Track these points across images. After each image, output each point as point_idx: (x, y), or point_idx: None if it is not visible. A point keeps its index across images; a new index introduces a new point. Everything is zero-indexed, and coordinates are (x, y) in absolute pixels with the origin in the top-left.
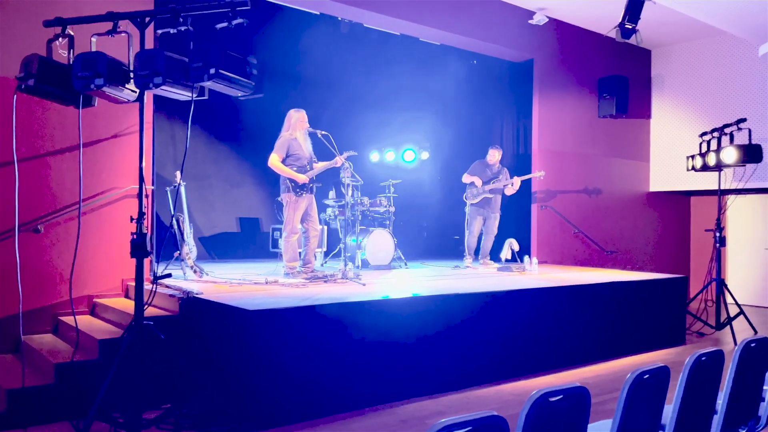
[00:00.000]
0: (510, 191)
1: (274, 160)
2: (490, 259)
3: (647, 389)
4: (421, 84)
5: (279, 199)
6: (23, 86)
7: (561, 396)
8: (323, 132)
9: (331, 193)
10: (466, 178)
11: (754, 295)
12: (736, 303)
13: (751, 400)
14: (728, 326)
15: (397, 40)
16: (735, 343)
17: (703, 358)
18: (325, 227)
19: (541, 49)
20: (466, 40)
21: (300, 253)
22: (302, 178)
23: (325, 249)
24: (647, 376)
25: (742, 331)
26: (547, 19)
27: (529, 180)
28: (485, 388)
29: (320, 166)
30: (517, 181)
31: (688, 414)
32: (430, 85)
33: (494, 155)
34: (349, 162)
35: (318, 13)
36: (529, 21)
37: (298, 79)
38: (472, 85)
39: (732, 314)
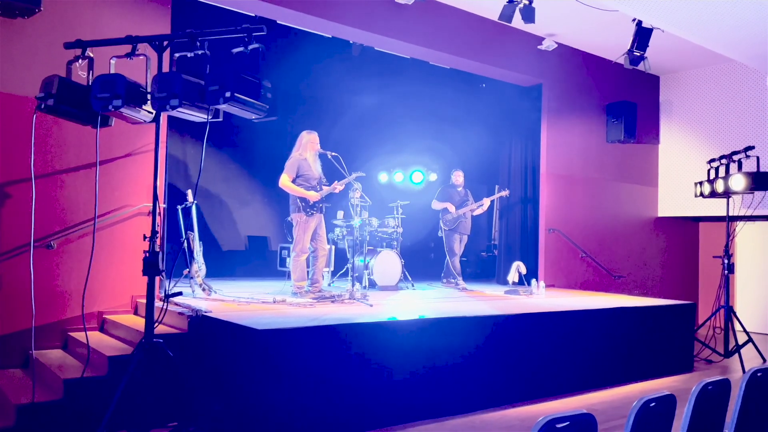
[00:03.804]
0: (479, 212)
1: (285, 180)
2: (456, 280)
3: (653, 417)
4: (431, 106)
5: (289, 219)
6: (43, 106)
7: (567, 422)
8: (333, 153)
9: (340, 213)
10: (438, 205)
11: (762, 322)
12: (745, 330)
13: (758, 429)
14: (737, 354)
15: (408, 64)
16: (743, 371)
17: (710, 387)
18: (333, 247)
19: (549, 74)
20: (476, 65)
21: (308, 272)
22: (314, 196)
23: (332, 269)
24: (653, 404)
25: (750, 358)
26: (556, 45)
27: (537, 204)
28: (491, 413)
29: (325, 190)
30: (486, 202)
31: None
32: (440, 108)
33: (458, 177)
34: (358, 183)
35: (330, 36)
36: (538, 47)
37: (309, 101)
38: (481, 109)
39: (740, 342)
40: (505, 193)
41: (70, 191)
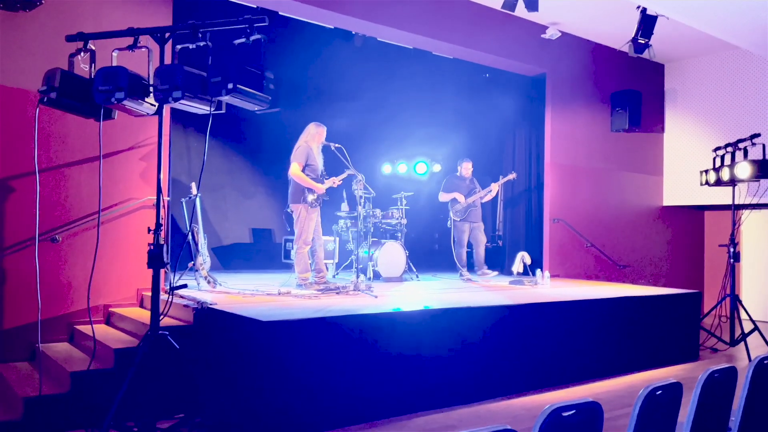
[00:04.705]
0: (488, 198)
1: (296, 169)
2: (488, 268)
3: (660, 405)
4: (434, 97)
5: (288, 210)
6: (45, 99)
7: (573, 411)
8: (336, 145)
9: (344, 205)
10: (445, 197)
11: None
12: (751, 319)
13: (765, 417)
14: (742, 342)
15: (410, 54)
16: (749, 359)
17: (716, 375)
18: (337, 239)
19: (553, 63)
20: (479, 54)
21: (310, 264)
22: (321, 189)
23: (336, 261)
24: (660, 392)
25: (756, 347)
26: (560, 34)
27: (542, 194)
28: (496, 402)
29: (326, 183)
30: (495, 187)
31: (701, 430)
32: (443, 98)
33: (468, 168)
34: (361, 174)
35: (332, 27)
36: (542, 35)
37: (312, 92)
38: (485, 99)
39: (746, 330)
40: (512, 176)
41: (74, 185)
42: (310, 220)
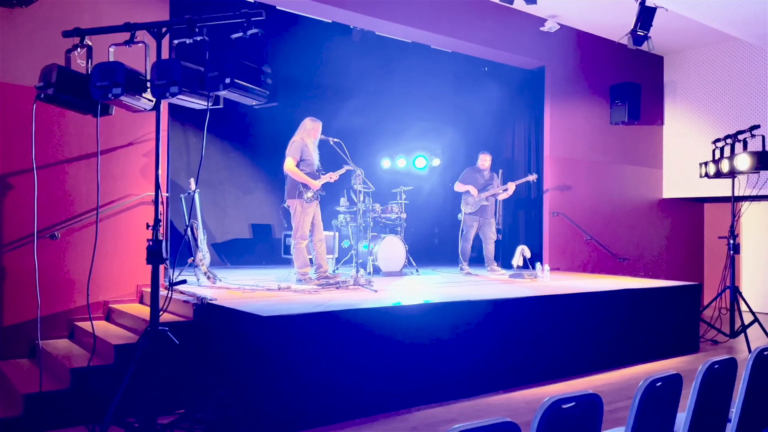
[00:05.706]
0: (504, 196)
1: (291, 164)
2: (498, 265)
3: (660, 397)
4: (433, 91)
5: (285, 205)
6: (43, 95)
7: (573, 403)
8: (335, 139)
9: (343, 200)
10: (460, 187)
11: None
12: (751, 311)
13: (765, 408)
14: (742, 334)
15: (409, 48)
16: (749, 351)
17: (716, 366)
18: (337, 234)
19: (552, 56)
20: (478, 48)
21: (310, 260)
22: (316, 185)
23: (336, 255)
24: (660, 383)
25: (756, 338)
26: (559, 27)
27: (541, 187)
28: (496, 396)
29: (323, 178)
30: (511, 187)
31: (701, 422)
32: (442, 92)
33: (485, 161)
34: (360, 169)
35: (330, 21)
36: (541, 28)
37: (310, 87)
38: (484, 92)
39: (746, 322)
40: (532, 177)
41: (73, 181)
42: (306, 215)
